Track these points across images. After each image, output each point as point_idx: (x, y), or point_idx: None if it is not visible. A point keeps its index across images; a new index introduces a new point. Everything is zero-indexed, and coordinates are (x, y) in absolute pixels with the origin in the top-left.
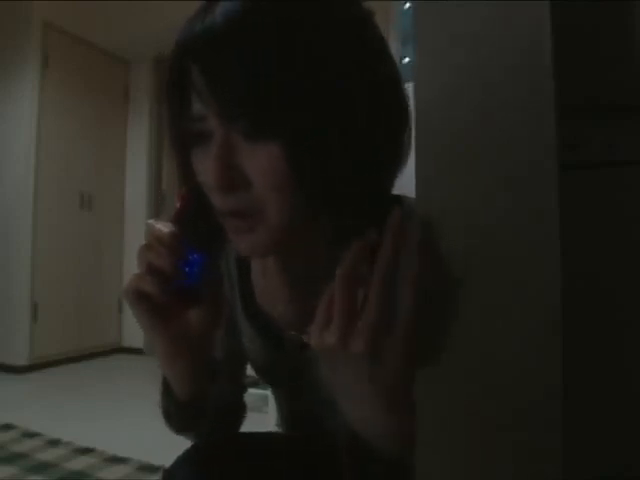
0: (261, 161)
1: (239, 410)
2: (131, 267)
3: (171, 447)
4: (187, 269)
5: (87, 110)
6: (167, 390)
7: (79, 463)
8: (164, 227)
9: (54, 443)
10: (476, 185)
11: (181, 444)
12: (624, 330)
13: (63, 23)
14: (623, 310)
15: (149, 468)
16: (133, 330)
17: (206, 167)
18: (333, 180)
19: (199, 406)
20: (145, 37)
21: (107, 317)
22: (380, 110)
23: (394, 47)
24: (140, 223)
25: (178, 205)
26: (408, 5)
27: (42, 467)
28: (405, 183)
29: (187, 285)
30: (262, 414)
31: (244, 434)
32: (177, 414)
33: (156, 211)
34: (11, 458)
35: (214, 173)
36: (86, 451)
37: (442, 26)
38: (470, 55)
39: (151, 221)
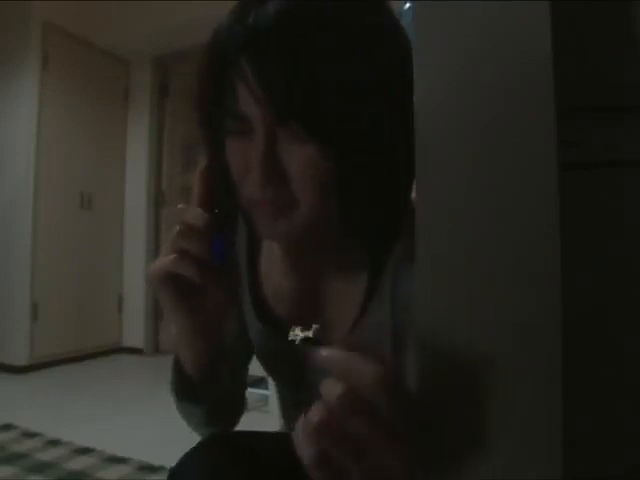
0: (306, 160)
1: (238, 407)
2: (131, 267)
3: (171, 447)
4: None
5: (87, 110)
6: (180, 371)
7: (79, 463)
8: (195, 213)
9: (54, 443)
10: (476, 185)
11: (181, 444)
12: (624, 330)
13: (63, 23)
14: (623, 310)
15: (149, 468)
16: (133, 330)
17: (248, 160)
18: (372, 184)
19: (212, 382)
20: (145, 37)
21: (107, 317)
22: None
23: None
24: (140, 223)
25: (201, 187)
26: (408, 5)
27: (42, 467)
28: None
29: (213, 264)
30: (262, 414)
31: (249, 433)
32: (190, 393)
33: (156, 211)
34: (11, 458)
35: (260, 168)
36: (86, 451)
37: (442, 26)
38: (470, 55)
39: (181, 206)
